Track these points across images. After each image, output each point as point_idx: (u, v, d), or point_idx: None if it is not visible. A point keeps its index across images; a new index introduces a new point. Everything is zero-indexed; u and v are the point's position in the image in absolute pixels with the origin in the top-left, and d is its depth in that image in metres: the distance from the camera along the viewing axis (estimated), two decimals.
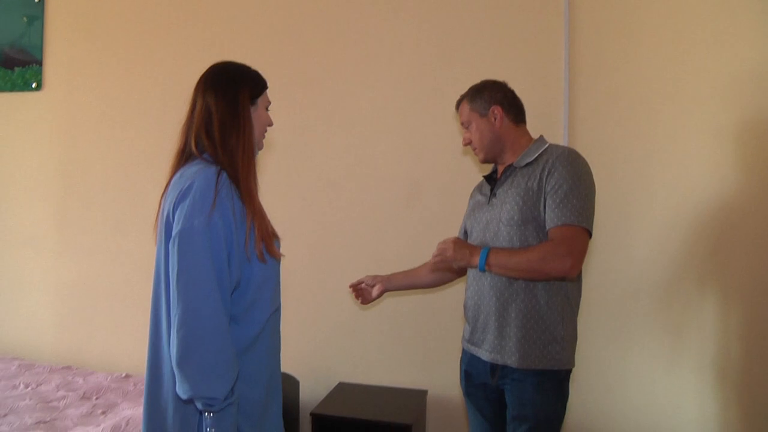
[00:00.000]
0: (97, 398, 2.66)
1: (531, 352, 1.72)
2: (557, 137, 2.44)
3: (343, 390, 2.59)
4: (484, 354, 1.82)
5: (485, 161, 1.92)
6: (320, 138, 2.79)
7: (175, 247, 1.30)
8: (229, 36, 2.92)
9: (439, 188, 2.61)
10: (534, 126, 2.43)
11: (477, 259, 1.71)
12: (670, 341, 2.34)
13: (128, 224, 3.00)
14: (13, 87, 3.27)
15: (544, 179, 1.72)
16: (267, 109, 1.57)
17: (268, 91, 1.57)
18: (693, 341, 2.29)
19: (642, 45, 2.39)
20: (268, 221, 1.48)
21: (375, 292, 2.11)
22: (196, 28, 2.98)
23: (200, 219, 1.30)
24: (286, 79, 2.79)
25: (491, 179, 1.92)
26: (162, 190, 1.48)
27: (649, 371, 2.37)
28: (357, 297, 2.15)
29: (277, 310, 1.53)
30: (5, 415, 2.43)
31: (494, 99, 1.85)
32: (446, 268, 2.02)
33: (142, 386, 2.06)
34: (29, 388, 2.75)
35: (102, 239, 3.12)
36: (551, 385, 1.74)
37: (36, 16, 3.24)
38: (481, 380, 1.87)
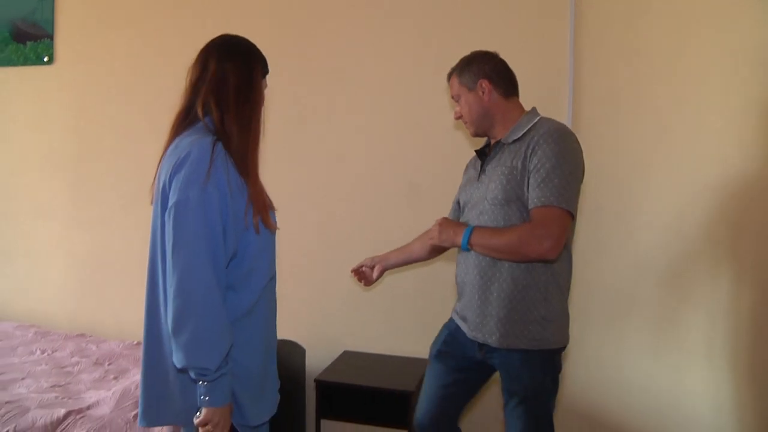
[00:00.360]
0: (109, 364, 2.74)
1: (511, 331, 1.72)
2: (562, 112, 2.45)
3: (347, 358, 2.65)
4: (468, 331, 1.83)
5: (476, 135, 1.90)
6: (330, 115, 2.81)
7: (171, 219, 1.32)
8: (241, 10, 2.92)
9: (446, 161, 2.63)
10: (539, 99, 2.46)
11: (460, 239, 1.73)
12: (675, 324, 2.37)
13: (139, 196, 3.04)
14: (26, 61, 3.31)
15: (528, 157, 1.69)
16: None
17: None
18: (700, 325, 2.30)
19: (648, 34, 2.36)
20: (265, 193, 1.49)
21: (375, 273, 2.13)
22: (207, 2, 2.99)
23: (195, 190, 1.31)
24: (295, 59, 2.81)
25: (483, 153, 1.90)
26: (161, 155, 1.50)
27: (653, 355, 2.40)
28: (360, 280, 2.17)
29: (273, 279, 1.54)
30: (23, 379, 2.52)
31: (482, 72, 1.82)
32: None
33: None
34: (45, 354, 2.84)
35: (114, 210, 3.18)
36: (538, 361, 1.74)
37: None
38: (463, 351, 1.88)
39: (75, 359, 2.79)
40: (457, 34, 2.61)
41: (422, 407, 1.98)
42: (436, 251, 2.08)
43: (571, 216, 1.66)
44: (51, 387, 2.44)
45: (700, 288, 2.28)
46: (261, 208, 1.44)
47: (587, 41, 2.43)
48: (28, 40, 3.30)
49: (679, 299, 2.33)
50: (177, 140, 1.44)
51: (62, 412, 2.15)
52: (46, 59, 3.27)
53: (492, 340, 1.74)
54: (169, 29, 3.05)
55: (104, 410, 2.18)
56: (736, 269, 2.14)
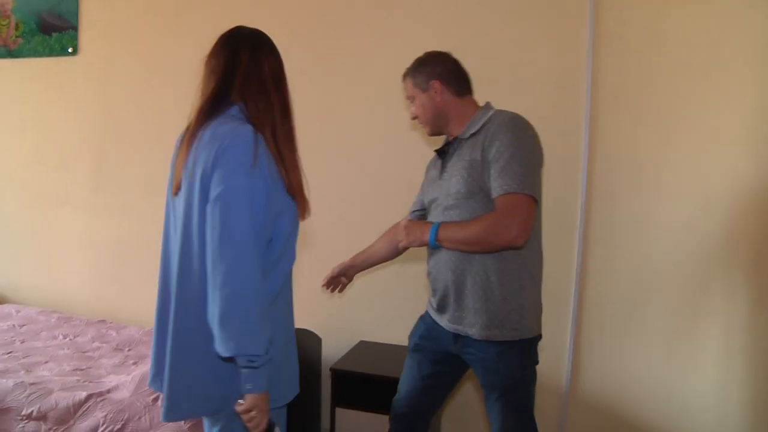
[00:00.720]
0: (128, 350, 2.80)
1: (491, 323, 1.73)
2: (579, 127, 2.45)
3: (363, 347, 2.67)
4: (446, 324, 1.84)
5: (432, 134, 1.93)
6: (352, 111, 2.83)
7: (218, 208, 1.31)
8: (256, 4, 2.95)
9: None
10: (554, 118, 2.47)
11: (428, 237, 1.74)
12: (688, 328, 2.36)
13: (160, 185, 3.07)
14: (51, 52, 3.37)
15: (486, 148, 1.71)
16: None
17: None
18: (714, 329, 2.29)
19: (666, 32, 2.35)
20: (303, 182, 1.50)
21: (344, 279, 2.16)
22: None
23: (243, 179, 1.32)
24: (315, 52, 2.84)
25: (443, 152, 1.91)
26: (184, 140, 1.48)
27: (665, 359, 2.40)
28: (332, 290, 2.19)
29: (293, 263, 1.56)
30: (46, 362, 2.57)
31: (434, 73, 1.84)
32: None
33: None
34: (67, 339, 2.90)
35: (135, 199, 3.23)
36: (515, 352, 1.75)
37: None
38: (439, 345, 1.90)
39: (96, 344, 2.85)
40: (474, 32, 2.61)
41: (400, 398, 2.01)
42: (401, 251, 2.06)
43: (535, 201, 1.67)
44: (73, 370, 2.50)
45: (715, 291, 2.28)
46: (300, 196, 1.46)
47: (605, 39, 2.42)
48: (54, 32, 3.35)
49: (693, 302, 2.33)
50: (213, 127, 1.40)
51: (83, 394, 2.21)
52: (70, 50, 3.33)
53: (472, 332, 1.75)
54: (191, 20, 3.08)
55: (124, 394, 2.22)
56: (753, 272, 2.13)
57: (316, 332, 2.71)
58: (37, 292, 3.53)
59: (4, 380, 2.30)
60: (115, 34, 3.25)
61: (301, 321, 2.73)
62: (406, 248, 1.90)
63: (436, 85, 1.83)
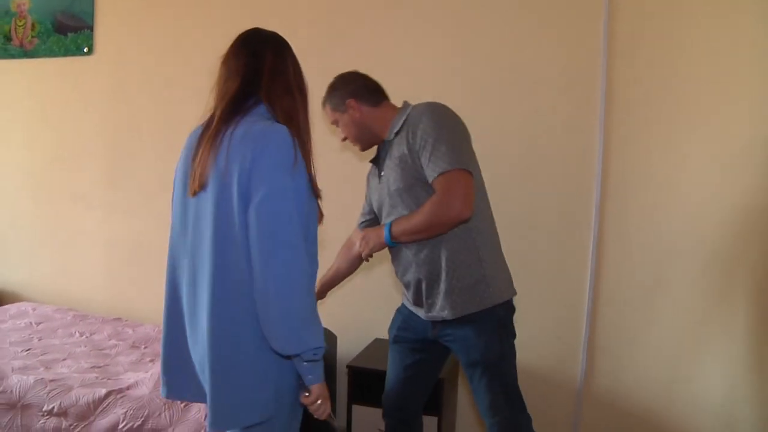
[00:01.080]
0: (145, 347, 2.82)
1: (459, 300, 1.80)
2: (593, 127, 2.46)
3: (379, 345, 2.68)
4: (422, 314, 1.91)
5: (364, 149, 2.02)
6: None
7: (265, 211, 1.31)
8: (273, 2, 2.97)
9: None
10: (569, 117, 2.49)
11: (383, 237, 1.84)
12: (704, 323, 2.36)
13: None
14: (66, 52, 3.39)
15: (410, 141, 1.79)
16: None
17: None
18: (731, 322, 2.29)
19: (682, 36, 2.35)
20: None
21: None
22: None
23: (288, 178, 1.34)
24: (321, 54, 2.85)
25: (376, 160, 1.99)
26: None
27: (681, 353, 2.40)
28: None
29: None
30: (64, 359, 2.60)
31: (346, 93, 1.92)
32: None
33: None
34: (84, 337, 2.93)
35: (150, 197, 3.25)
36: (491, 326, 1.83)
37: None
38: (417, 333, 1.97)
39: (112, 342, 2.87)
40: (487, 33, 2.61)
41: (388, 390, 2.08)
42: (359, 262, 2.14)
43: (469, 173, 1.73)
44: (91, 368, 2.52)
45: (732, 289, 2.28)
46: (318, 196, 1.49)
47: (620, 39, 2.42)
48: (69, 32, 3.38)
49: (709, 300, 2.34)
50: (243, 126, 1.39)
51: (103, 391, 2.23)
52: (85, 50, 3.35)
53: (446, 314, 1.82)
54: (206, 19, 3.10)
55: (143, 391, 2.24)
56: None
57: (331, 330, 2.72)
58: (53, 289, 3.55)
59: (25, 377, 2.33)
60: (130, 33, 3.27)
61: None
62: (369, 256, 1.95)
63: (351, 103, 1.92)
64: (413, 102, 1.93)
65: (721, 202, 2.30)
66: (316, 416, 1.45)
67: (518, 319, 2.52)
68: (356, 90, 1.93)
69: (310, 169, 1.46)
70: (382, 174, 1.92)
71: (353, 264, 2.15)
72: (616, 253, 2.48)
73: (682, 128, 2.36)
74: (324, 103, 1.98)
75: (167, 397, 1.58)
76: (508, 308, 1.89)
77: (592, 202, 2.48)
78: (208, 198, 1.40)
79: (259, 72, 1.45)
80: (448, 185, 1.70)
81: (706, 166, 2.33)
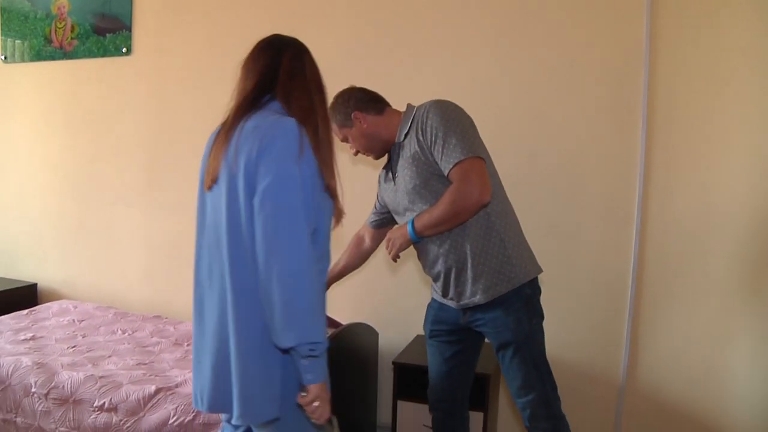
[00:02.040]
0: (188, 345, 2.84)
1: (489, 283, 1.85)
2: (635, 124, 2.45)
3: (421, 341, 2.68)
4: (453, 304, 1.97)
5: (378, 158, 2.07)
6: None
7: (268, 199, 1.31)
8: (313, 4, 2.97)
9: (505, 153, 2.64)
10: (613, 115, 2.48)
11: (408, 234, 1.89)
12: (749, 318, 2.34)
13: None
14: (105, 52, 3.43)
15: (421, 138, 1.86)
16: None
17: None
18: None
19: (724, 32, 2.33)
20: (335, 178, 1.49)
21: None
22: None
23: (292, 168, 1.33)
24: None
25: (388, 165, 2.04)
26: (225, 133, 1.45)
27: (724, 343, 2.38)
28: None
29: None
30: (110, 356, 2.63)
31: (349, 107, 1.97)
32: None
33: None
34: (126, 334, 2.96)
35: (188, 197, 3.23)
36: (519, 305, 1.87)
37: None
38: (450, 324, 2.02)
39: (155, 339, 2.90)
40: (530, 32, 2.60)
41: (433, 385, 2.12)
42: (367, 257, 2.30)
43: (482, 159, 1.80)
44: (137, 364, 2.55)
45: None
46: (336, 202, 1.48)
47: (662, 45, 2.41)
48: (108, 33, 3.42)
49: (754, 296, 2.32)
50: (255, 119, 1.41)
51: (153, 388, 2.25)
52: (124, 50, 3.39)
53: (477, 299, 1.87)
54: (243, 19, 3.12)
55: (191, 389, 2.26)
56: None
57: (373, 326, 2.72)
58: (93, 288, 3.60)
59: (75, 373, 2.36)
60: (168, 33, 3.31)
61: (357, 315, 2.78)
62: (396, 256, 1.98)
63: (357, 115, 1.97)
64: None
65: (763, 203, 2.27)
66: (313, 419, 1.37)
67: (560, 315, 2.53)
68: (358, 102, 1.98)
69: (329, 167, 1.45)
70: (396, 175, 1.97)
71: (362, 259, 2.29)
72: (658, 249, 2.46)
73: (724, 129, 2.34)
74: None
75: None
76: (535, 287, 1.93)
77: (635, 200, 2.46)
78: (221, 191, 1.41)
79: (276, 72, 1.48)
80: (464, 174, 1.77)
81: (748, 167, 2.31)
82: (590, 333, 2.57)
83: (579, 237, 2.57)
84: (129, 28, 3.36)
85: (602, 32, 2.49)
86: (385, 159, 2.09)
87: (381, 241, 2.26)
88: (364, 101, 1.99)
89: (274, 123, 1.38)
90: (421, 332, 2.76)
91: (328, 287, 2.13)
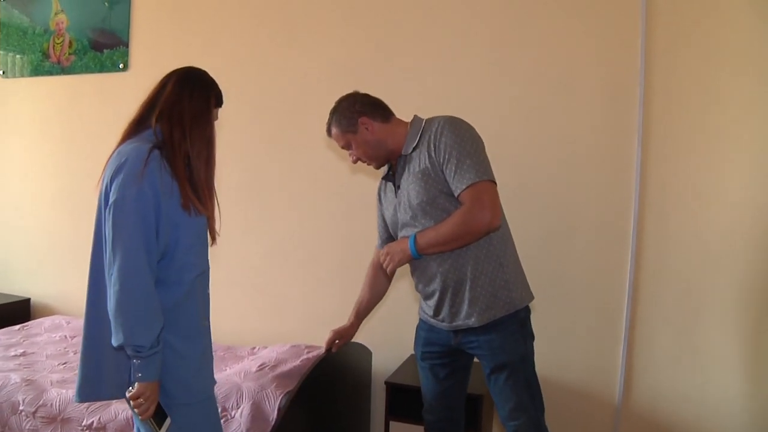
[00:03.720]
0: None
1: (485, 307, 1.84)
2: (631, 135, 2.44)
3: (415, 361, 2.64)
4: (444, 325, 1.94)
5: (379, 167, 2.03)
6: None
7: (111, 215, 1.49)
8: (309, 19, 2.99)
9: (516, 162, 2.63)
10: (608, 123, 2.48)
11: (409, 250, 1.85)
12: (746, 337, 2.32)
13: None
14: (102, 68, 3.45)
15: (433, 155, 1.82)
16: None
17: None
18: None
19: (720, 32, 2.34)
20: (205, 199, 1.62)
21: (339, 342, 2.27)
22: (277, 10, 3.05)
23: (131, 190, 1.48)
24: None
25: (389, 176, 2.01)
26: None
27: (724, 359, 2.35)
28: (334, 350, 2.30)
29: (204, 273, 1.68)
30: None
31: (356, 112, 1.92)
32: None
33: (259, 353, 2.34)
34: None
35: None
36: (514, 327, 1.87)
37: (118, 0, 3.39)
38: (441, 345, 1.99)
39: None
40: (525, 42, 2.61)
41: (429, 406, 2.10)
42: (389, 279, 2.21)
43: (494, 183, 1.81)
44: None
45: None
46: (193, 202, 1.58)
47: (658, 51, 2.41)
48: (105, 48, 3.43)
49: (750, 316, 2.30)
50: (122, 146, 1.59)
51: None
52: (121, 66, 3.40)
53: (472, 322, 1.85)
54: (240, 36, 3.13)
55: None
56: None
57: (366, 346, 2.70)
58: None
59: (64, 390, 2.34)
60: (164, 50, 3.32)
61: None
62: (393, 271, 1.98)
63: (364, 120, 1.92)
64: (423, 115, 1.97)
65: (762, 215, 2.26)
66: (137, 414, 1.53)
67: (555, 335, 2.52)
68: (365, 107, 1.94)
69: (189, 188, 1.57)
70: (400, 188, 1.93)
71: (386, 286, 2.23)
72: (654, 266, 2.46)
73: (721, 135, 2.34)
74: (330, 128, 1.98)
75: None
76: (527, 310, 1.93)
77: (630, 214, 2.46)
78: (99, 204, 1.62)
79: (158, 99, 1.63)
80: (477, 196, 1.75)
81: (746, 173, 2.30)
82: (585, 352, 2.55)
83: (573, 254, 2.56)
84: (126, 44, 3.38)
85: (597, 44, 2.51)
86: (383, 170, 2.07)
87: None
88: (371, 107, 1.95)
89: (128, 151, 1.54)
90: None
91: (358, 326, 2.24)
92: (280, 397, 2.18)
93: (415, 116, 1.97)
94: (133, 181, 1.48)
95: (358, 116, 1.91)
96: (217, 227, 1.70)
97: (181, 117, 1.59)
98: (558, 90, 2.55)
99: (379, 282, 2.19)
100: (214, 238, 1.70)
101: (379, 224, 2.15)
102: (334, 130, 1.97)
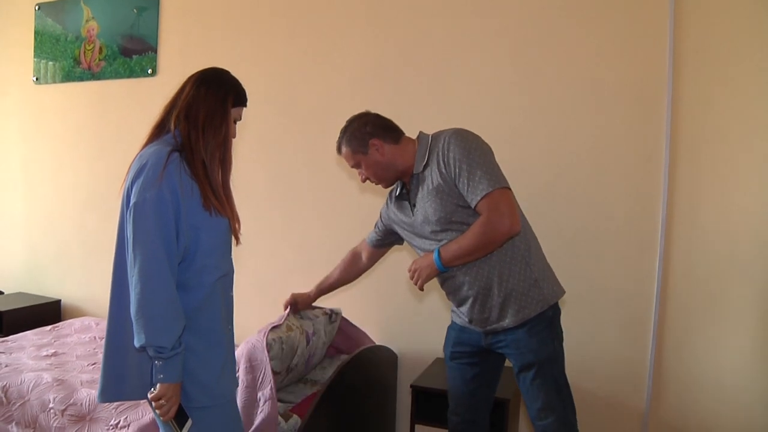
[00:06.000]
0: None
1: (517, 306, 1.85)
2: (659, 143, 2.41)
3: (440, 364, 2.64)
4: (476, 327, 1.95)
5: (388, 186, 2.05)
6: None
7: (131, 217, 1.50)
8: (337, 26, 3.00)
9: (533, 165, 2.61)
10: (635, 130, 2.46)
11: (435, 265, 1.86)
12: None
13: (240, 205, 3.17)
14: (131, 73, 3.50)
15: (444, 171, 1.84)
16: (235, 123, 1.72)
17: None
18: None
19: (751, 44, 2.30)
20: (225, 199, 1.63)
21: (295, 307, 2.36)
22: (305, 16, 3.07)
23: (151, 192, 1.49)
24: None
25: (403, 194, 2.02)
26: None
27: (751, 357, 2.30)
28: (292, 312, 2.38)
29: (227, 275, 1.68)
30: None
31: (367, 133, 1.94)
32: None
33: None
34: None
35: None
36: (542, 327, 1.87)
37: (147, 7, 3.45)
38: (472, 345, 2.00)
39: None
40: (552, 47, 2.59)
41: (455, 407, 2.09)
42: (359, 272, 2.33)
43: (509, 188, 1.82)
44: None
45: None
46: (215, 205, 1.59)
47: (686, 57, 2.38)
48: (134, 54, 3.49)
49: None
50: (144, 150, 1.62)
51: None
52: (149, 71, 3.45)
53: (507, 323, 1.86)
54: (267, 41, 3.16)
55: None
56: None
57: (392, 349, 2.69)
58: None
59: (93, 391, 2.36)
60: (192, 55, 3.36)
61: (376, 337, 2.76)
62: (422, 286, 1.96)
63: (375, 142, 1.94)
64: (427, 131, 1.99)
65: None
66: (159, 415, 1.53)
67: (582, 340, 2.48)
68: (376, 129, 1.95)
69: (209, 190, 1.58)
70: (416, 206, 1.94)
71: (356, 276, 2.33)
72: (682, 271, 2.42)
73: (750, 138, 2.30)
74: (340, 147, 2.00)
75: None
76: (556, 309, 1.93)
77: (659, 219, 2.42)
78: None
79: (177, 102, 1.66)
80: (493, 205, 1.77)
81: None
82: (612, 358, 2.52)
83: (600, 260, 2.53)
84: (155, 50, 3.43)
85: (624, 52, 2.47)
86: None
87: (377, 260, 2.29)
88: (382, 128, 1.97)
89: (149, 154, 1.56)
90: (440, 355, 2.74)
91: (315, 298, 2.32)
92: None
93: (421, 133, 1.99)
94: (152, 184, 1.50)
95: (369, 138, 1.93)
96: (241, 230, 1.71)
97: (196, 118, 1.60)
98: (585, 94, 2.53)
99: (351, 272, 2.31)
100: (237, 239, 1.70)
101: (379, 222, 2.20)
102: (344, 150, 1.99)
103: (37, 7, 3.81)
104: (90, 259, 3.69)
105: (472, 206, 1.80)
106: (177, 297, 1.52)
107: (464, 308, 1.94)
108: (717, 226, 2.36)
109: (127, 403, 2.28)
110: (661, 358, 2.43)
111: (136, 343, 1.49)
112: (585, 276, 2.52)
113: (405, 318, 2.77)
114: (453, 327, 2.08)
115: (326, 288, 2.33)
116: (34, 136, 3.88)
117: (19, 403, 2.39)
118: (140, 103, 3.50)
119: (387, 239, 2.19)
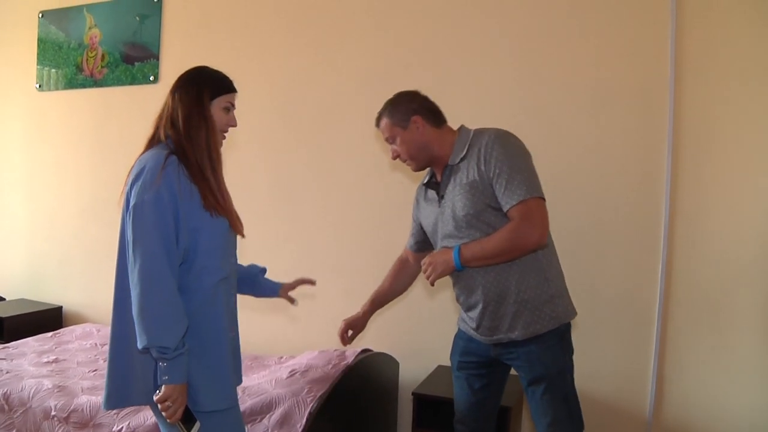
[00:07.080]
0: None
1: (529, 320, 1.81)
2: (661, 150, 2.41)
3: (442, 372, 2.64)
4: (483, 338, 1.91)
5: (418, 170, 1.98)
6: None
7: (131, 219, 1.52)
8: (340, 29, 3.02)
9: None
10: (638, 136, 2.45)
11: (453, 262, 1.80)
12: None
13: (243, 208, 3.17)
14: (133, 80, 3.52)
15: (482, 168, 1.79)
16: (228, 111, 1.76)
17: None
18: None
19: (754, 49, 2.30)
20: (223, 199, 1.65)
21: (351, 333, 2.18)
22: (307, 20, 3.08)
23: (150, 194, 1.51)
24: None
25: (432, 183, 1.97)
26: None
27: (756, 371, 2.29)
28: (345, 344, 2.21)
29: (228, 278, 1.68)
30: None
31: (411, 110, 1.89)
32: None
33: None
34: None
35: None
36: (554, 341, 1.83)
37: (149, 14, 3.47)
38: (480, 356, 1.96)
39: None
40: (555, 50, 2.60)
41: (461, 417, 2.05)
42: (411, 280, 2.21)
43: (544, 199, 1.78)
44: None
45: None
46: (216, 206, 1.61)
47: (688, 63, 2.39)
48: (136, 61, 3.50)
49: None
50: (143, 155, 1.65)
51: None
52: (151, 78, 3.46)
53: (515, 336, 1.82)
54: (270, 48, 3.17)
55: None
56: None
57: (393, 356, 2.69)
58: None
59: (94, 397, 2.37)
60: (194, 62, 3.29)
61: (378, 344, 2.75)
62: (434, 282, 1.90)
63: (417, 119, 1.89)
64: (470, 126, 1.95)
65: None
66: (166, 417, 1.53)
67: (585, 348, 2.47)
68: (420, 108, 1.91)
69: (207, 191, 1.60)
70: (444, 198, 1.89)
71: (410, 281, 2.21)
72: (685, 277, 2.41)
73: (752, 143, 2.30)
74: (380, 118, 1.95)
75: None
76: (568, 324, 1.90)
77: (661, 224, 2.42)
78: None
79: (163, 114, 1.69)
80: (527, 212, 1.73)
81: None
82: (615, 364, 2.51)
83: (603, 265, 2.53)
84: (157, 57, 3.44)
85: (627, 53, 2.48)
86: (419, 175, 2.05)
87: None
88: (427, 109, 1.93)
89: (146, 159, 1.59)
90: (443, 363, 2.73)
91: (370, 315, 2.19)
92: (311, 403, 2.18)
93: (462, 126, 1.95)
94: (151, 186, 1.52)
95: (412, 114, 1.89)
96: (246, 231, 1.71)
97: (178, 124, 1.63)
98: (587, 95, 2.53)
99: (402, 279, 2.19)
100: (242, 234, 1.71)
101: (413, 225, 2.14)
102: (384, 120, 1.94)
103: (40, 15, 3.83)
104: (92, 265, 3.69)
105: (505, 210, 1.76)
106: (178, 296, 1.52)
107: (474, 313, 1.90)
108: (721, 231, 2.35)
109: (129, 409, 2.27)
110: (664, 364, 2.43)
111: (139, 344, 1.48)
112: (587, 282, 2.52)
113: (406, 325, 2.76)
114: (461, 336, 2.05)
115: (380, 301, 2.19)
116: (37, 143, 3.89)
117: (20, 411, 2.39)
118: (142, 110, 3.50)
119: (426, 241, 2.08)
